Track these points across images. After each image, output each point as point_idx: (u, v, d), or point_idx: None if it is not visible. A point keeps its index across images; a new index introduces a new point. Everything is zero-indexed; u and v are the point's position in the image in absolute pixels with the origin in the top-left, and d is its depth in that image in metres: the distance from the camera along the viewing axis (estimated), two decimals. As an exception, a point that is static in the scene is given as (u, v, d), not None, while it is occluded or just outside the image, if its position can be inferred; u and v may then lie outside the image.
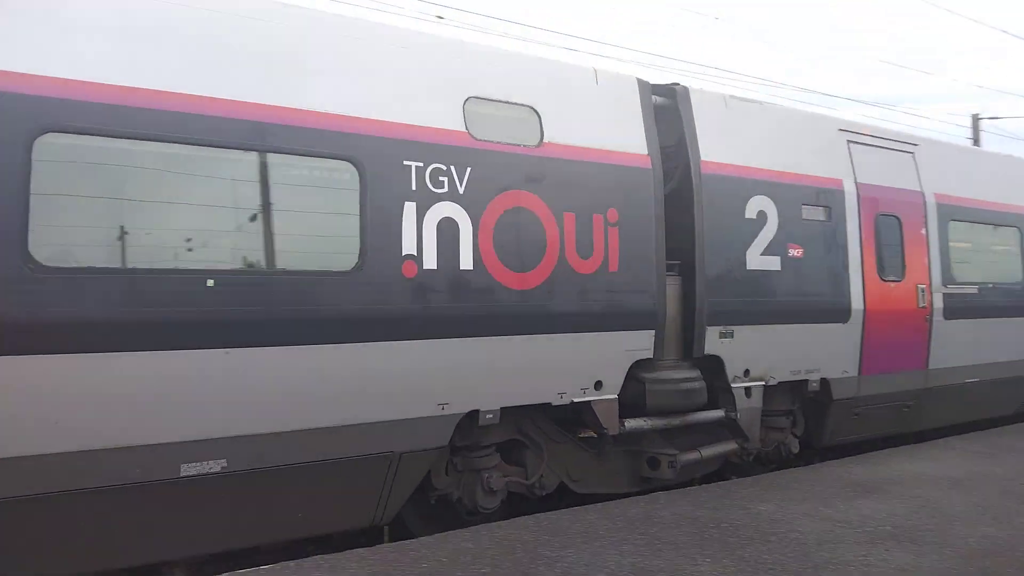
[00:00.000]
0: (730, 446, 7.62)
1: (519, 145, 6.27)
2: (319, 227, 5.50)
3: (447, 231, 5.82)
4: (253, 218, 5.23)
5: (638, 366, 6.81)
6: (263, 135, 5.20)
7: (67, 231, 4.67)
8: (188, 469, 4.93)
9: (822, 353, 8.15)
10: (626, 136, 6.90)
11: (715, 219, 7.35)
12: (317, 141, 5.36)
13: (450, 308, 5.86)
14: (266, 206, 5.28)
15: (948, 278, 9.41)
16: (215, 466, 5.01)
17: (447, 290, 5.83)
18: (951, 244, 9.58)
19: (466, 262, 5.90)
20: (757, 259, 7.59)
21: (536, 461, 6.74)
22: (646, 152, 6.96)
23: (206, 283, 4.96)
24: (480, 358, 6.00)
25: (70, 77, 4.64)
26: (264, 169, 5.27)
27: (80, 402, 4.58)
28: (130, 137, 4.81)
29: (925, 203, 9.39)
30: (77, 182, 4.70)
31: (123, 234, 4.84)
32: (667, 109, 7.42)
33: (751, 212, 7.63)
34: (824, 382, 8.21)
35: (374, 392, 5.55)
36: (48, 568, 4.76)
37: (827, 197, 8.25)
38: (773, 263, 7.70)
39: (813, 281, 8.03)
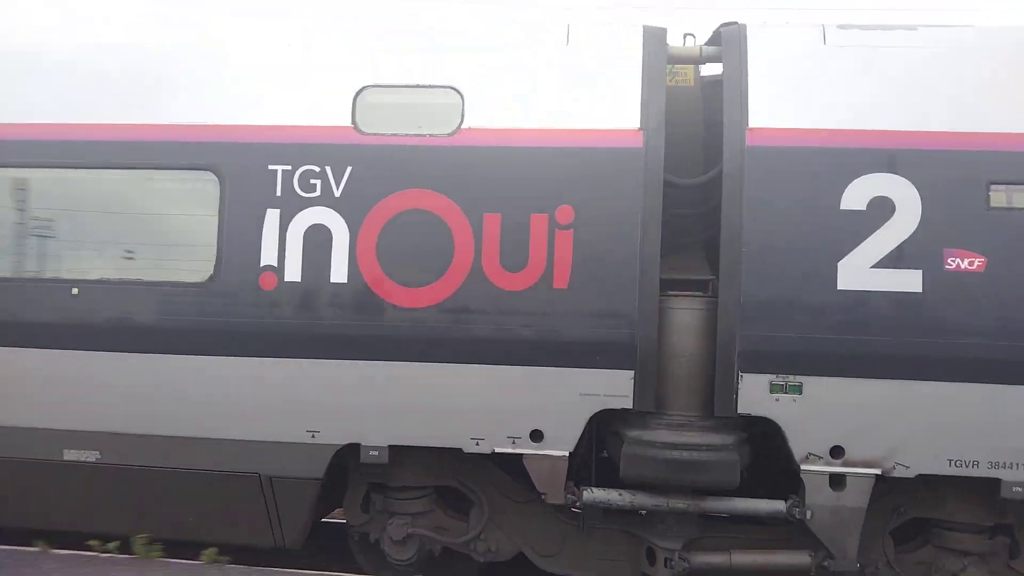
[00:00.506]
0: (796, 559, 5.29)
1: (425, 136, 5.41)
2: (181, 238, 5.61)
3: (316, 239, 5.30)
4: (118, 231, 5.72)
5: (637, 421, 5.28)
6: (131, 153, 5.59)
7: None
8: (68, 455, 5.70)
9: None
10: (605, 108, 5.34)
11: (775, 214, 5.09)
12: (179, 154, 5.50)
13: (317, 325, 5.34)
14: (134, 219, 5.68)
15: None
16: (91, 456, 5.64)
17: (314, 305, 5.32)
18: None
19: (339, 274, 5.29)
20: (864, 274, 4.98)
21: (478, 517, 5.75)
22: (637, 126, 5.26)
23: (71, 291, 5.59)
24: (358, 385, 5.35)
25: None
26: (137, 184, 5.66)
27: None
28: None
29: None
30: None
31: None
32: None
33: (855, 201, 5.05)
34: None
35: (235, 410, 5.43)
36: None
37: None
38: (905, 281, 4.96)
39: (1011, 309, 4.90)
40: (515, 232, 5.21)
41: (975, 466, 4.98)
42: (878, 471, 5.01)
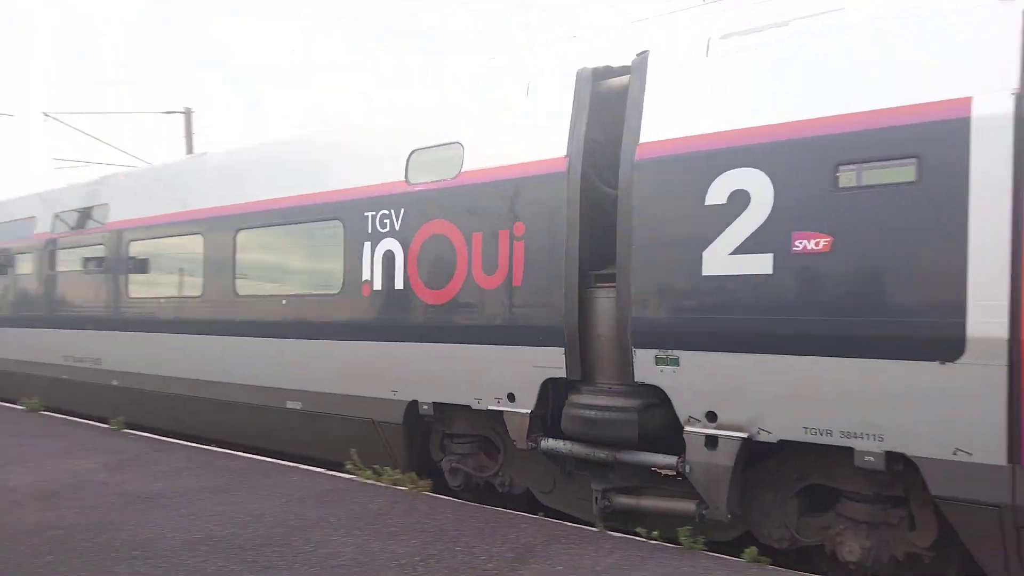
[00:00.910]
0: (682, 505, 6.06)
1: (440, 180, 7.32)
2: (331, 265, 8.33)
3: (387, 260, 7.68)
4: (300, 262, 8.83)
5: (574, 387, 6.46)
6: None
7: None
8: (289, 405, 8.76)
9: (889, 409, 4.99)
10: (544, 141, 6.61)
11: (655, 213, 5.85)
12: (325, 210, 8.40)
13: (388, 318, 7.68)
14: (307, 253, 8.67)
15: None
16: (297, 404, 8.64)
17: (388, 305, 7.69)
18: None
19: (399, 283, 7.58)
20: (724, 260, 5.52)
21: (499, 460, 7.44)
22: (563, 154, 6.44)
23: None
24: (410, 359, 7.49)
25: None
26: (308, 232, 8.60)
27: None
28: None
29: None
30: None
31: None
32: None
33: (719, 195, 5.58)
34: (905, 462, 5.03)
35: (356, 376, 8.00)
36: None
37: (915, 140, 4.90)
38: (758, 264, 5.39)
39: (858, 288, 5.04)
40: (490, 245, 6.79)
41: (829, 435, 5.21)
42: (744, 435, 5.49)
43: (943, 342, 4.75)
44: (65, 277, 12.30)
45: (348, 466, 8.03)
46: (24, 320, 13.08)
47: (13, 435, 10.73)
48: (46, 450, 9.60)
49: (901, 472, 5.09)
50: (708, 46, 5.91)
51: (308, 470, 8.31)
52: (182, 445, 9.89)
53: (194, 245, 9.85)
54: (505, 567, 5.34)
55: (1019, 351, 4.55)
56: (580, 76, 6.53)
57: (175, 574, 5.28)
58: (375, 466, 7.92)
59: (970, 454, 4.74)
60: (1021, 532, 4.74)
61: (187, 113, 24.89)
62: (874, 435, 5.05)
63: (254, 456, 9.13)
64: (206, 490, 7.51)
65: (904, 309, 4.89)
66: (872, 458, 5.06)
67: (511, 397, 6.71)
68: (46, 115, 21.50)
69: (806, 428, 5.30)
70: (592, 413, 6.13)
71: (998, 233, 4.61)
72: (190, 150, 24.19)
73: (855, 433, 5.11)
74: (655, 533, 6.01)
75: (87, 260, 11.74)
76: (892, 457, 5.02)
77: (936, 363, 4.78)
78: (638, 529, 6.11)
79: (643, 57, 6.21)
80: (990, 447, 4.67)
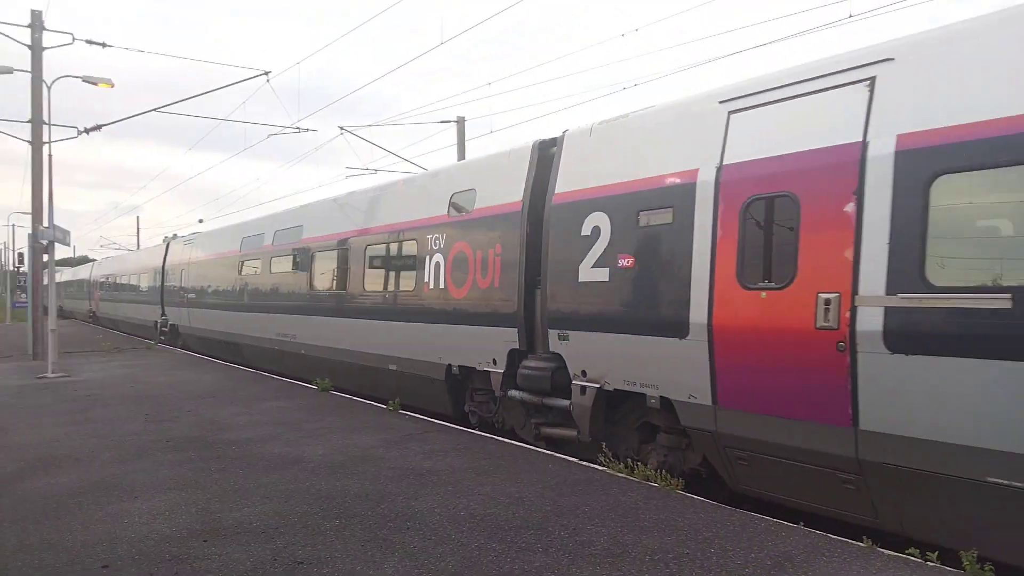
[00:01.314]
0: (568, 432, 9.00)
1: (463, 214, 10.81)
2: (410, 271, 12.36)
3: (436, 268, 11.11)
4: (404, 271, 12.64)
5: (524, 355, 9.59)
6: None
7: None
8: (389, 366, 12.46)
9: (659, 369, 7.54)
10: (512, 191, 9.90)
11: (558, 240, 8.84)
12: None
13: (436, 308, 11.13)
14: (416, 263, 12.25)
15: (905, 279, 5.57)
16: (394, 366, 12.38)
17: (435, 298, 11.18)
18: (933, 221, 5.54)
19: (441, 284, 11.05)
20: (588, 272, 8.36)
21: (497, 407, 10.47)
22: (519, 199, 9.76)
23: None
24: (447, 336, 10.91)
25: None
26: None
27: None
28: None
29: (865, 159, 5.90)
30: None
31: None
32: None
33: (586, 230, 8.45)
34: (669, 403, 7.52)
35: (421, 346, 11.48)
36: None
37: (671, 195, 7.43)
38: (602, 275, 8.18)
39: (644, 290, 7.69)
40: (485, 259, 10.15)
41: (634, 385, 7.87)
42: (598, 385, 8.33)
43: (679, 326, 7.23)
44: (277, 277, 17.22)
45: (600, 459, 8.15)
46: (255, 307, 18.35)
47: (304, 410, 12.08)
48: (332, 426, 10.70)
49: (673, 411, 7.46)
50: (591, 129, 8.78)
51: (562, 459, 8.55)
52: (449, 428, 10.58)
53: (340, 256, 14.28)
54: (762, 575, 5.15)
55: (713, 333, 6.93)
56: (533, 146, 9.77)
57: (441, 546, 5.67)
58: (627, 460, 7.98)
59: (696, 398, 7.16)
60: (724, 449, 7.07)
61: (459, 122, 26.49)
62: (654, 386, 7.62)
63: (510, 442, 9.54)
64: (470, 471, 7.98)
65: (664, 303, 7.42)
66: (654, 401, 7.64)
67: (494, 362, 9.97)
68: (342, 128, 23.90)
69: (625, 381, 8.00)
70: (527, 372, 9.14)
71: (705, 256, 7.01)
72: (461, 156, 25.75)
73: (646, 384, 7.72)
74: (933, 555, 5.49)
75: (290, 264, 16.51)
76: (664, 401, 7.54)
77: (677, 339, 7.26)
78: (910, 550, 5.63)
79: (563, 134, 9.23)
80: (705, 393, 7.05)
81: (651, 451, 8.04)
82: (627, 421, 8.37)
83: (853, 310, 5.83)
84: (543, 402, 9.09)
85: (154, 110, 23.42)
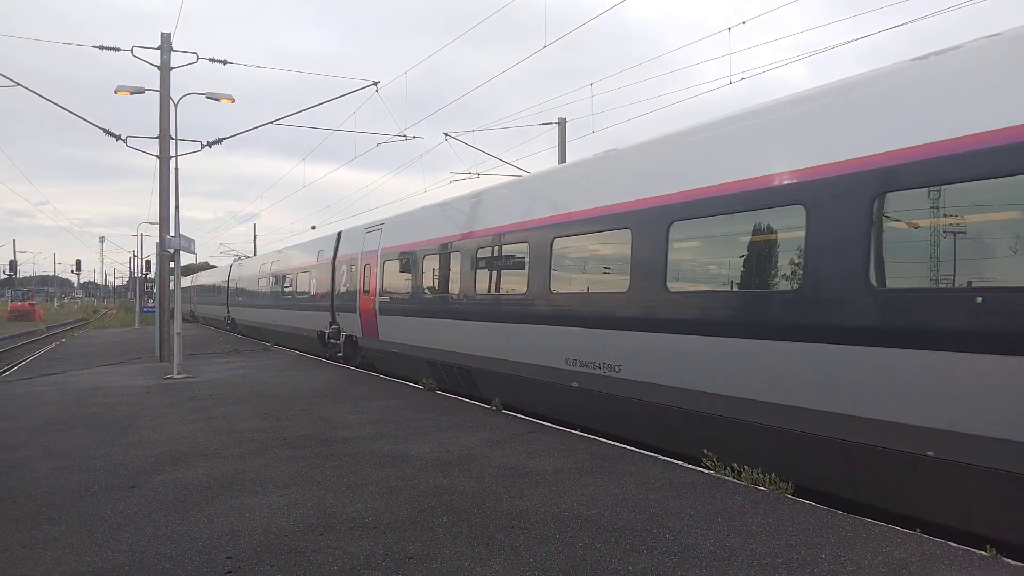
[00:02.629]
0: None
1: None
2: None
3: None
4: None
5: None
6: None
7: None
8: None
9: (351, 325, 18.94)
10: (328, 253, 21.71)
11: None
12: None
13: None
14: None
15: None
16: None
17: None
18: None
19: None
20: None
21: None
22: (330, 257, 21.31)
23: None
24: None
25: None
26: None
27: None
28: None
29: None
30: None
31: None
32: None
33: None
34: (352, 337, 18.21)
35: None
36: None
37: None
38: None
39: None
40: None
41: (343, 331, 19.93)
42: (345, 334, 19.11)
43: None
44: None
45: (705, 462, 8.02)
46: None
47: (411, 409, 12.35)
48: (438, 425, 10.91)
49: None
50: (352, 229, 20.68)
51: (666, 461, 8.46)
52: (551, 428, 10.62)
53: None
54: (876, 582, 4.96)
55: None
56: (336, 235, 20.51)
57: (546, 545, 5.70)
58: (733, 464, 7.82)
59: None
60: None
61: (561, 124, 26.48)
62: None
63: (613, 443, 9.50)
64: (573, 471, 7.99)
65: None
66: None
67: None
68: (446, 135, 24.36)
69: (341, 331, 19.87)
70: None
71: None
72: (563, 158, 25.74)
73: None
74: None
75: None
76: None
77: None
78: None
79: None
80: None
81: None
82: None
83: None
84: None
85: (271, 123, 24.52)
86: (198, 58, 23.04)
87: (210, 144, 24.27)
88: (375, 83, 22.13)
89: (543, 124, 26.42)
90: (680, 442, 8.86)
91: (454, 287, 14.08)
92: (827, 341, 6.71)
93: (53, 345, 34.45)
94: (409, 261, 16.38)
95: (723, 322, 7.85)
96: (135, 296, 60.51)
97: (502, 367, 12.39)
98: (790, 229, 7.24)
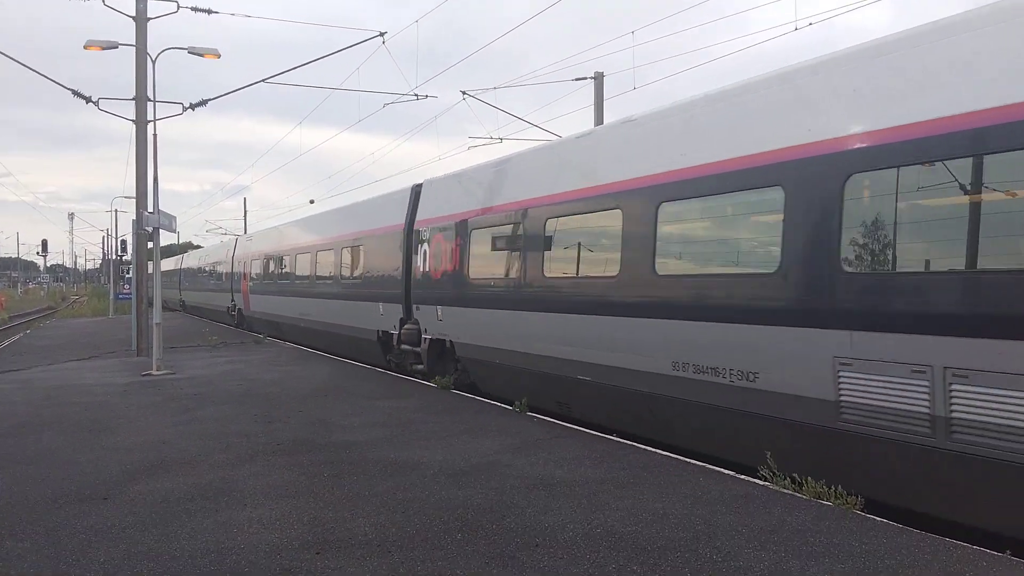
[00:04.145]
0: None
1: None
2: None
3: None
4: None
5: None
6: None
7: None
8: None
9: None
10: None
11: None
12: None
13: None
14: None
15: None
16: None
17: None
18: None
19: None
20: None
21: None
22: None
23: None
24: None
25: None
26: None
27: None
28: None
29: None
30: None
31: None
32: None
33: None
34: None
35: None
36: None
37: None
38: None
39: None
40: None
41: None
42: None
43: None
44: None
45: (762, 472, 8.00)
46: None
47: (422, 410, 12.45)
48: (452, 428, 10.99)
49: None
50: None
51: (716, 471, 8.45)
52: (581, 432, 10.65)
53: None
54: (958, 612, 4.94)
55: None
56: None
57: (575, 567, 5.73)
58: (794, 475, 7.79)
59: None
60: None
61: (597, 79, 26.28)
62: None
63: (655, 450, 9.51)
64: (607, 482, 8.01)
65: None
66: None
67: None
68: (464, 93, 24.36)
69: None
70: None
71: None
72: (599, 118, 25.60)
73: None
74: None
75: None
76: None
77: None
78: None
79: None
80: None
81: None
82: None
83: None
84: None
85: (262, 81, 24.65)
86: (179, 7, 23.21)
87: (193, 106, 24.47)
88: (382, 34, 22.16)
89: (576, 79, 26.28)
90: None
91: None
92: None
93: (16, 337, 35.08)
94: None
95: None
96: (109, 281, 61.30)
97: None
98: None
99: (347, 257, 21.48)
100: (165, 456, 9.57)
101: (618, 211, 10.63)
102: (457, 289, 15.12)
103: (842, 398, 7.46)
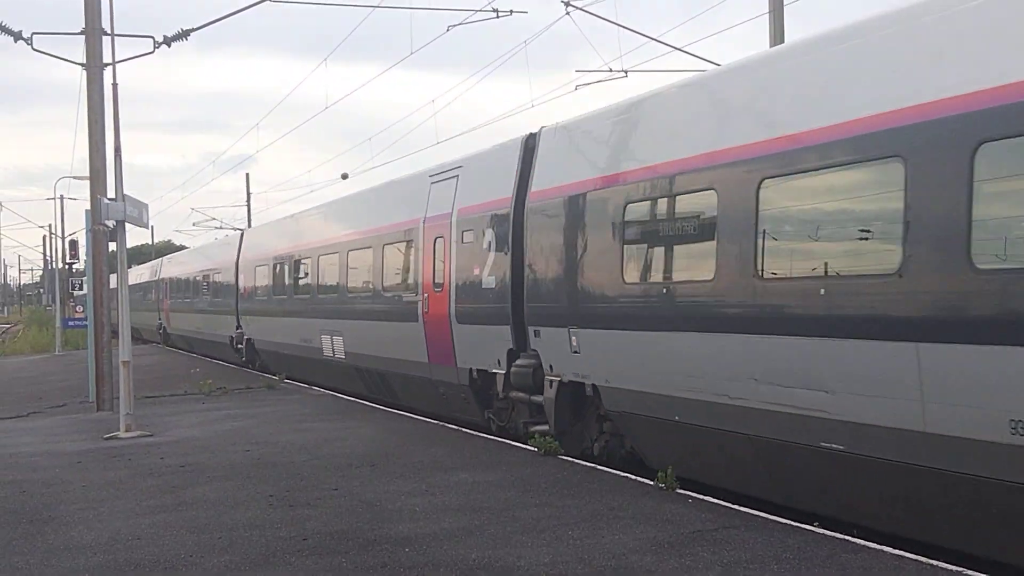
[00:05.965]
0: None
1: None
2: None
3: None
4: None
5: None
6: None
7: None
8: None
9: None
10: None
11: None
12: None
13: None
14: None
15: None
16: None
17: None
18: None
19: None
20: None
21: None
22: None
23: None
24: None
25: None
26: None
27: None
28: None
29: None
30: None
31: None
32: None
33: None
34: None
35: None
36: None
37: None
38: None
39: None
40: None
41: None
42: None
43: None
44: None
45: None
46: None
47: (517, 487, 12.37)
48: (563, 515, 10.87)
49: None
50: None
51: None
52: (764, 519, 10.40)
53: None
54: None
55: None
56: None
57: None
58: None
59: (425, 361, 20.63)
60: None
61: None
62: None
63: (880, 546, 9.21)
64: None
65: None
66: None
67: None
68: (567, 4, 24.34)
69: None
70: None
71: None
72: (779, 38, 25.10)
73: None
74: None
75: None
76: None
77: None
78: None
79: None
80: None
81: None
82: None
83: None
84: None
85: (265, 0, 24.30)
86: (146, -102, 23.59)
87: (168, 42, 24.33)
88: (441, -76, 22.15)
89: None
90: None
91: None
92: None
93: (-72, 385, 36.28)
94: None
95: None
96: (54, 301, 62.87)
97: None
98: None
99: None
100: (138, 559, 9.65)
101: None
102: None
103: None
